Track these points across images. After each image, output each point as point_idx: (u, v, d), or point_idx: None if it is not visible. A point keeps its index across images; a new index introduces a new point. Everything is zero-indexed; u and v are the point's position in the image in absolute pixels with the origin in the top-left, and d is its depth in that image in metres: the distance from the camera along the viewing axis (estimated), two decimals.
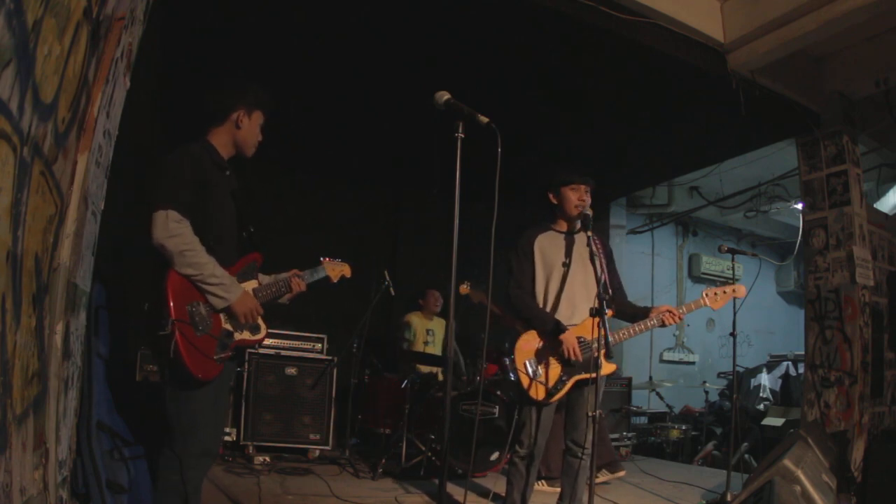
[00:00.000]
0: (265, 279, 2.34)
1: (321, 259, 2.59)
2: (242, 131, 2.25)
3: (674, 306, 2.89)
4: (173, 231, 1.95)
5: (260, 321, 2.22)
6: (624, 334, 2.94)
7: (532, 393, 2.88)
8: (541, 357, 2.92)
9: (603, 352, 2.58)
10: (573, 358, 2.80)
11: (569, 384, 2.88)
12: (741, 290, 3.04)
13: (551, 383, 2.87)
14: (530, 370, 2.89)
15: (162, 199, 1.98)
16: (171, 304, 1.94)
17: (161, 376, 2.07)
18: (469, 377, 4.72)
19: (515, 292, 2.98)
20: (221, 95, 2.24)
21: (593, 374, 2.79)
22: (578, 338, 2.86)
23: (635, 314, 2.97)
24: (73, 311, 1.96)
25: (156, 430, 2.11)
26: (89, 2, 1.56)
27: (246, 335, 2.17)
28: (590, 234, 2.81)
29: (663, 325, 2.89)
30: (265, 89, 2.31)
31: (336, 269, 2.61)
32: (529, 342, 2.94)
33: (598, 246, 2.98)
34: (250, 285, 2.24)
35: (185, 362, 1.94)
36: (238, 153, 2.30)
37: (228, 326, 2.11)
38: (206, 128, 2.24)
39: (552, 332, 2.86)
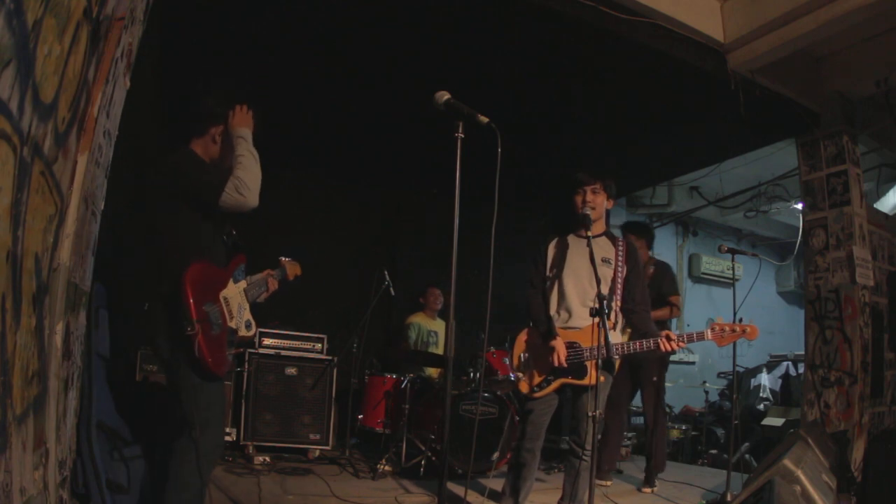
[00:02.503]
0: (248, 280, 2.49)
1: (280, 259, 2.74)
2: (218, 147, 2.33)
3: (675, 333, 2.83)
4: (243, 191, 2.10)
5: (251, 319, 2.38)
6: (618, 349, 2.86)
7: (519, 385, 3.02)
8: (534, 353, 3.00)
9: (602, 355, 2.57)
10: (556, 364, 2.85)
11: (554, 384, 2.92)
12: (753, 331, 2.77)
13: (536, 380, 2.95)
14: (521, 364, 3.02)
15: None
16: (192, 304, 2.04)
17: (175, 377, 2.14)
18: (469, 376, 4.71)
19: (529, 291, 3.12)
20: (205, 108, 2.31)
21: (580, 381, 2.84)
22: (573, 343, 2.88)
23: (647, 334, 2.92)
24: (73, 311, 1.96)
25: (154, 429, 2.20)
26: (89, 2, 1.55)
27: (243, 332, 2.33)
28: (589, 234, 2.81)
29: (658, 348, 2.79)
30: (252, 106, 2.35)
31: (291, 268, 2.75)
32: (529, 337, 3.06)
33: (621, 252, 2.99)
34: (241, 286, 2.38)
35: (207, 360, 2.05)
36: (213, 164, 2.36)
37: (232, 325, 2.25)
38: (189, 137, 2.33)
39: (544, 335, 2.94)
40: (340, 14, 3.51)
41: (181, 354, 2.05)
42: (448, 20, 3.57)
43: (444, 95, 2.01)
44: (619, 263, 2.98)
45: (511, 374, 4.45)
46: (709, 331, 2.83)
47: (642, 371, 4.21)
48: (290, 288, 2.74)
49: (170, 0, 2.92)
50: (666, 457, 4.37)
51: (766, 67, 3.98)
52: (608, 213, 3.14)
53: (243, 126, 2.26)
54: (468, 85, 2.81)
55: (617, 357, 2.79)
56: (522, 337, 3.08)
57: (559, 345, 2.86)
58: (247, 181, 2.12)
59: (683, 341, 2.81)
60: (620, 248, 3.03)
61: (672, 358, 8.24)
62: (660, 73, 4.00)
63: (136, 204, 3.10)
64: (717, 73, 3.98)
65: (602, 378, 2.84)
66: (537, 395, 2.94)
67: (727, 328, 2.80)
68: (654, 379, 4.20)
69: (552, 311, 3.01)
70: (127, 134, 2.33)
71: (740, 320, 2.92)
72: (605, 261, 2.96)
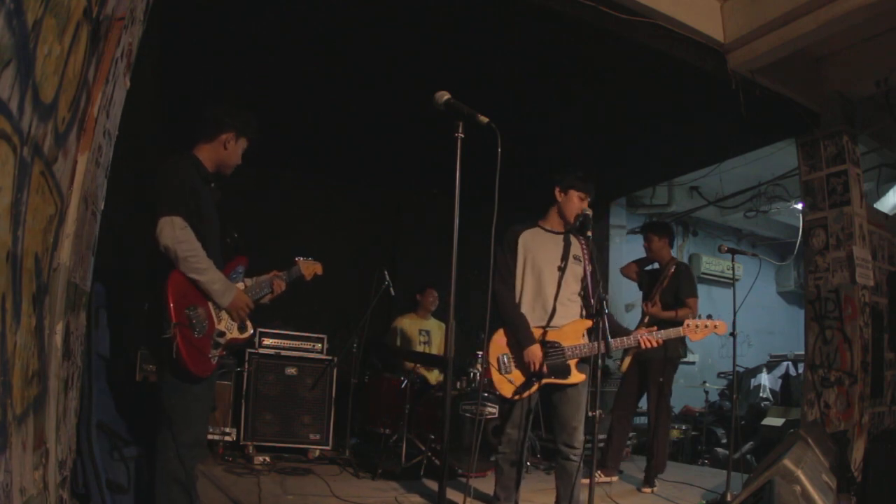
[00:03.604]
0: (248, 282, 2.52)
1: (295, 259, 2.74)
2: (227, 152, 2.41)
3: (652, 335, 2.90)
4: (180, 237, 2.12)
5: (247, 321, 2.40)
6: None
7: (499, 388, 2.93)
8: (514, 354, 2.94)
9: (601, 354, 2.57)
10: (534, 369, 2.82)
11: (537, 385, 2.90)
12: (722, 326, 3.05)
13: (518, 382, 2.90)
14: (501, 365, 2.94)
15: (168, 207, 2.13)
16: (172, 308, 2.10)
17: (160, 374, 2.24)
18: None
19: (499, 287, 2.97)
20: (216, 115, 2.38)
21: (564, 381, 2.83)
22: (553, 342, 2.86)
23: (616, 331, 2.94)
24: (73, 311, 1.96)
25: (152, 427, 2.24)
26: (89, 2, 1.55)
27: (235, 334, 2.36)
28: (590, 234, 2.82)
29: (639, 346, 2.89)
30: (254, 119, 2.45)
31: (309, 268, 2.76)
32: (507, 338, 2.97)
33: (586, 250, 2.98)
34: (237, 288, 2.39)
35: (186, 361, 2.11)
36: (218, 171, 2.44)
37: (221, 327, 2.31)
38: (195, 141, 2.39)
39: (522, 341, 2.87)
40: (340, 14, 3.51)
41: (163, 356, 2.13)
42: (448, 20, 3.57)
43: (444, 95, 2.01)
44: (587, 261, 2.98)
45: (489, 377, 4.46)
46: (685, 327, 2.99)
47: (650, 371, 4.21)
48: (290, 287, 2.73)
49: (170, 0, 2.92)
50: (667, 457, 4.37)
51: (766, 67, 3.98)
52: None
53: (231, 302, 2.28)
54: (468, 85, 2.81)
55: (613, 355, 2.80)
56: (500, 339, 2.98)
57: (535, 353, 2.82)
58: (187, 249, 2.11)
59: (661, 338, 2.93)
60: (584, 245, 3.01)
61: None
62: (660, 73, 4.00)
63: (136, 204, 3.10)
64: (717, 73, 3.98)
65: (583, 377, 2.84)
66: (521, 396, 2.90)
67: (700, 324, 3.00)
68: (660, 379, 4.20)
69: (527, 308, 2.95)
70: (127, 134, 2.33)
71: (709, 316, 3.12)
72: (576, 258, 2.96)
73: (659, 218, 8.12)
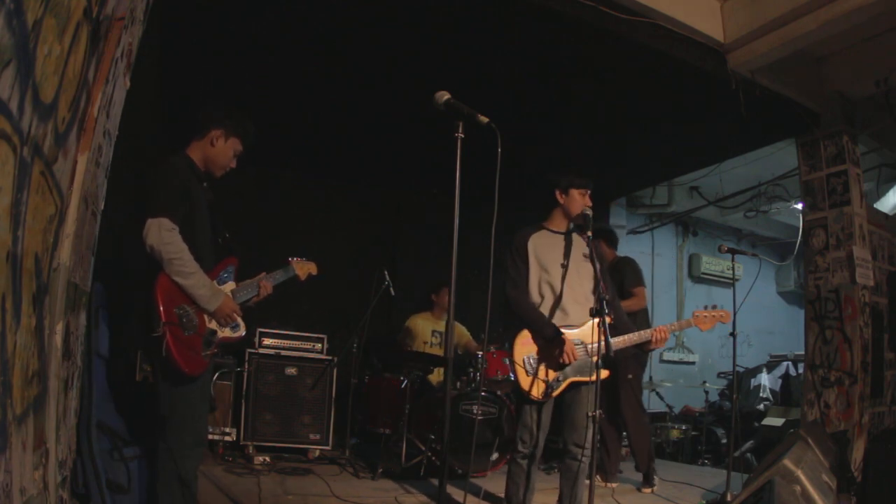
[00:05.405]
0: (238, 284, 2.51)
1: (288, 259, 2.72)
2: (215, 150, 2.40)
3: (665, 325, 2.94)
4: (166, 239, 2.12)
5: (239, 320, 2.41)
6: (618, 342, 2.88)
7: (528, 390, 2.90)
8: (539, 355, 2.93)
9: (602, 354, 2.57)
10: (569, 361, 2.81)
11: (564, 384, 2.89)
12: (727, 315, 3.14)
13: (548, 381, 2.89)
14: (528, 367, 2.91)
15: (157, 209, 2.14)
16: (161, 308, 2.12)
17: (155, 376, 2.25)
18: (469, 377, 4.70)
19: (512, 294, 2.97)
20: (207, 112, 2.40)
21: (589, 378, 2.81)
22: (574, 341, 2.87)
23: (626, 328, 2.96)
24: (73, 311, 1.96)
25: (152, 428, 2.25)
26: (89, 2, 1.55)
27: (227, 333, 2.37)
28: (590, 234, 2.82)
29: (651, 339, 2.90)
30: (248, 120, 2.45)
31: (303, 268, 2.73)
32: (528, 339, 2.95)
33: (591, 247, 2.98)
34: (227, 288, 2.42)
35: (177, 360, 2.13)
36: (207, 169, 2.44)
37: (213, 326, 2.32)
38: (189, 140, 2.40)
39: (550, 337, 2.86)
40: (340, 14, 3.51)
41: (154, 355, 2.14)
42: (448, 20, 3.57)
43: (444, 95, 2.01)
44: (594, 258, 2.98)
45: (511, 375, 4.44)
46: (693, 318, 3.07)
47: (619, 370, 4.16)
48: (290, 287, 2.73)
49: (170, 0, 2.92)
50: (648, 455, 4.28)
51: (766, 67, 3.99)
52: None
53: (217, 307, 2.27)
54: (468, 85, 2.81)
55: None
56: (524, 340, 2.94)
57: (569, 343, 2.82)
58: (172, 251, 2.11)
59: (675, 328, 3.01)
60: (588, 243, 3.00)
61: (672, 358, 8.30)
62: (660, 73, 4.00)
63: (136, 204, 3.10)
64: (717, 73, 3.98)
65: (608, 373, 2.84)
66: (551, 395, 2.88)
67: (707, 315, 3.09)
68: (630, 377, 4.17)
69: (545, 311, 2.94)
70: (127, 134, 2.33)
71: (714, 306, 3.19)
72: (585, 256, 2.97)
73: (659, 218, 8.15)
